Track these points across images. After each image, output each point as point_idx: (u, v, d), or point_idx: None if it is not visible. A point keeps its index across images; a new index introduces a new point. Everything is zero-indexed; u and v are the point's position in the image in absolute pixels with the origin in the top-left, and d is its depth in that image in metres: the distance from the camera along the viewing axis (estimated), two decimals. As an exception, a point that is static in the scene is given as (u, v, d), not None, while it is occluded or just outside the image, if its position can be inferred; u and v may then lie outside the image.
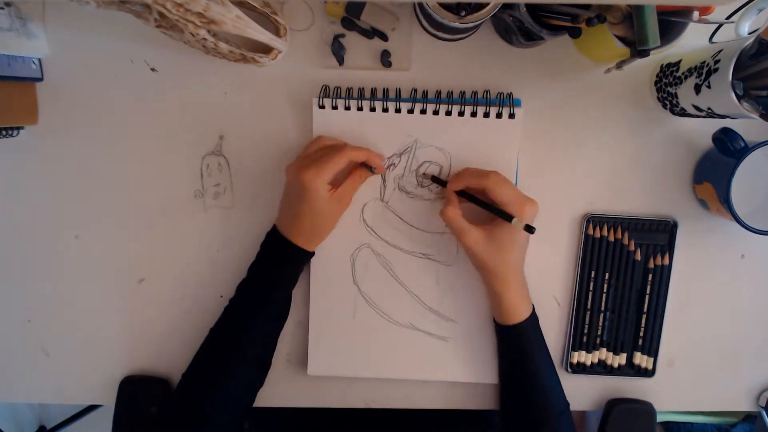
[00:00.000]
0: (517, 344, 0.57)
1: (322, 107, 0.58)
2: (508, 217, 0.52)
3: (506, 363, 0.60)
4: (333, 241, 0.59)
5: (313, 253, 0.58)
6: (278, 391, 0.63)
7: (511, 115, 0.58)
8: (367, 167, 0.57)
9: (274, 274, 0.56)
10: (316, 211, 0.53)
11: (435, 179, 0.59)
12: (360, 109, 0.58)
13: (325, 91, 0.58)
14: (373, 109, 0.58)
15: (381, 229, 0.60)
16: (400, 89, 0.58)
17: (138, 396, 0.62)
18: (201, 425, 0.54)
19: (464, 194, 0.56)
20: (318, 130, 0.58)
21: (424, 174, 0.59)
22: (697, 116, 0.54)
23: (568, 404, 0.59)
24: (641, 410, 0.63)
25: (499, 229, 0.54)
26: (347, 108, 0.58)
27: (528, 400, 0.57)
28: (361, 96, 0.58)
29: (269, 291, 0.56)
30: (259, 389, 0.59)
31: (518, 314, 0.56)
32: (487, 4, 0.47)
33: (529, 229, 0.51)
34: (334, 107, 0.58)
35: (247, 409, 0.57)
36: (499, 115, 0.58)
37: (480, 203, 0.55)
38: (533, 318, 0.57)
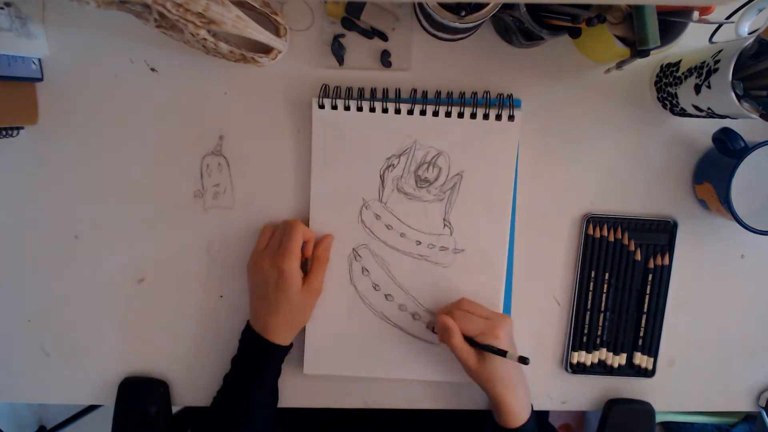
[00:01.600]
0: None
1: (321, 107, 0.58)
2: (502, 353, 0.53)
3: None
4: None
5: (291, 347, 0.59)
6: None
7: (511, 117, 0.58)
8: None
9: (254, 374, 0.57)
10: (292, 300, 0.55)
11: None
12: (360, 109, 0.58)
13: (325, 91, 0.58)
14: (372, 110, 0.58)
15: (379, 229, 0.60)
16: (399, 89, 0.58)
17: (138, 396, 0.62)
18: None
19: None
20: (317, 129, 0.58)
21: (427, 324, 0.61)
22: (697, 116, 0.54)
23: None
24: (640, 410, 0.63)
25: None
26: (347, 108, 0.58)
27: None
28: (360, 96, 0.58)
29: (252, 390, 0.57)
30: None
31: (519, 418, 0.56)
32: (487, 4, 0.47)
33: (524, 360, 0.52)
34: (334, 107, 0.58)
35: None
36: (498, 117, 0.58)
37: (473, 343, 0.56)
38: (532, 420, 0.57)
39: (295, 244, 0.55)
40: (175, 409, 0.65)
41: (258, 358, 0.57)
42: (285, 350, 0.58)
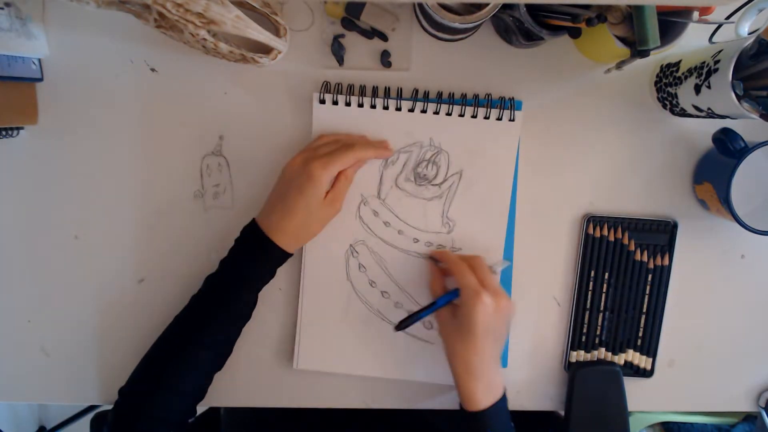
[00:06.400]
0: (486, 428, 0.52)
1: (322, 102, 0.58)
2: (422, 311, 0.54)
3: None
4: (328, 236, 0.59)
5: (291, 255, 0.56)
6: (268, 389, 0.63)
7: (511, 119, 0.58)
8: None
9: (248, 272, 0.54)
10: (309, 208, 0.52)
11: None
12: (360, 105, 0.58)
13: (326, 87, 0.58)
14: (373, 107, 0.58)
15: (377, 226, 0.60)
16: (401, 89, 0.58)
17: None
18: (144, 426, 0.51)
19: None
20: (318, 125, 0.58)
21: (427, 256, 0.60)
22: (697, 116, 0.54)
23: None
24: (606, 371, 0.62)
25: (460, 310, 0.53)
26: (348, 104, 0.58)
27: None
28: (362, 93, 0.58)
29: (239, 289, 0.54)
30: (208, 386, 0.56)
31: (476, 401, 0.52)
32: (487, 4, 0.47)
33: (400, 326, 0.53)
34: (335, 102, 0.58)
35: (195, 405, 0.56)
36: (499, 118, 0.58)
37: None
38: (494, 409, 0.53)
39: (339, 161, 0.52)
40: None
41: (257, 255, 0.54)
42: (285, 257, 0.55)
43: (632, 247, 0.61)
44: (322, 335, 0.61)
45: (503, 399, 0.54)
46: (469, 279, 0.53)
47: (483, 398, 0.52)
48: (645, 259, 0.61)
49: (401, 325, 0.56)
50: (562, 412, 0.63)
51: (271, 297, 0.62)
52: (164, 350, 0.55)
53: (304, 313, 0.61)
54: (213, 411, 0.72)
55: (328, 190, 0.54)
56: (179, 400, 0.53)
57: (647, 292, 0.62)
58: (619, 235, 0.61)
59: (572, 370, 0.62)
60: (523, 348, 0.63)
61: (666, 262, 0.62)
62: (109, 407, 0.56)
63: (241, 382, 0.63)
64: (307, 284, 0.61)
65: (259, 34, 0.51)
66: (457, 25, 0.48)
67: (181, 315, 0.56)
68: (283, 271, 0.61)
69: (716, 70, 0.48)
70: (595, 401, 0.59)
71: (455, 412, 0.56)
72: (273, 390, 0.63)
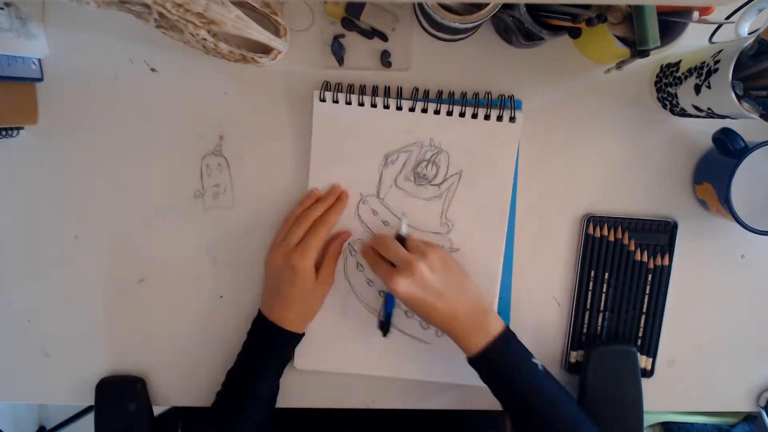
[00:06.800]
0: (493, 371, 0.53)
1: (323, 100, 0.58)
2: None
3: (498, 395, 0.54)
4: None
5: (303, 335, 0.59)
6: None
7: (512, 119, 0.58)
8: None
9: (266, 360, 0.57)
10: (306, 294, 0.55)
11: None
12: (361, 104, 0.58)
13: (326, 87, 0.58)
14: (374, 106, 0.58)
15: (375, 225, 0.60)
16: (401, 88, 0.58)
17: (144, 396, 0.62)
18: None
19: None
20: (318, 123, 0.58)
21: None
22: (697, 116, 0.54)
23: (583, 417, 0.52)
24: (622, 351, 0.61)
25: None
26: (348, 103, 0.58)
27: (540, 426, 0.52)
28: (362, 92, 0.58)
29: (261, 379, 0.56)
30: None
31: (476, 342, 0.52)
32: (487, 4, 0.47)
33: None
34: (335, 101, 0.58)
35: None
36: (500, 118, 0.58)
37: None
38: (500, 341, 0.52)
39: (313, 245, 0.55)
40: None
41: (271, 344, 0.56)
42: (299, 337, 0.58)
43: (632, 247, 0.61)
44: (321, 335, 0.61)
45: (501, 336, 0.53)
46: (398, 255, 0.53)
47: (475, 343, 0.52)
48: (645, 259, 0.61)
49: (384, 329, 0.59)
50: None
51: (271, 297, 0.62)
52: None
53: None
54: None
55: (316, 270, 0.56)
56: None
57: (647, 292, 0.62)
58: (619, 235, 0.61)
59: (587, 350, 0.61)
60: (523, 348, 0.63)
61: (666, 262, 0.62)
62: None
63: (241, 382, 0.63)
64: None
65: (259, 34, 0.51)
66: (457, 25, 0.48)
67: (210, 410, 0.58)
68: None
69: (716, 70, 0.48)
70: (610, 382, 0.58)
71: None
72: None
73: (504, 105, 0.58)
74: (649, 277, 0.62)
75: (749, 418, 0.82)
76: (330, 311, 0.61)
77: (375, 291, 0.61)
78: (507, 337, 0.53)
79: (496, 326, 0.53)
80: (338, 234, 0.59)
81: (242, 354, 0.58)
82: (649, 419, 0.87)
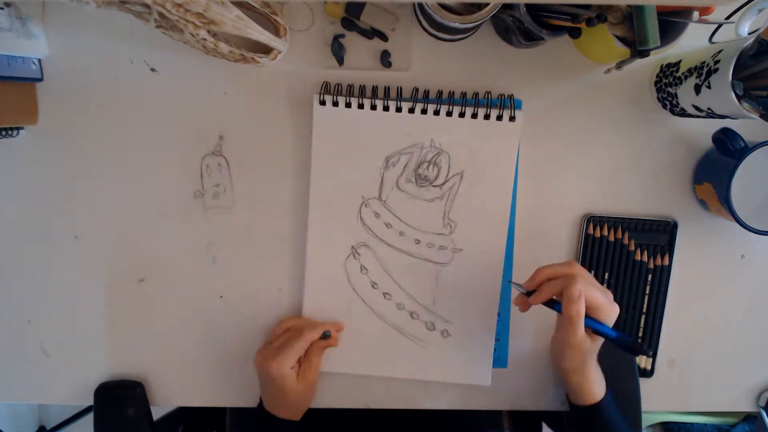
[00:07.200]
0: (597, 422, 0.55)
1: (323, 103, 0.58)
2: (635, 348, 0.50)
3: None
4: (330, 238, 0.59)
5: (300, 420, 0.60)
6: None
7: (512, 118, 0.58)
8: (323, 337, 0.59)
9: None
10: (289, 394, 0.57)
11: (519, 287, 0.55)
12: (361, 106, 0.58)
13: (326, 88, 0.58)
14: (374, 107, 0.58)
15: (378, 228, 0.60)
16: (401, 88, 0.58)
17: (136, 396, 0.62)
18: None
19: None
20: (318, 126, 0.58)
21: (513, 282, 0.56)
22: (697, 116, 0.54)
23: None
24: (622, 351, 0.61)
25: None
26: (348, 105, 0.58)
27: None
28: (362, 94, 0.58)
29: None
30: None
31: (593, 395, 0.55)
32: (487, 4, 0.47)
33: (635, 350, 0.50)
34: (335, 104, 0.58)
35: None
36: (500, 118, 0.58)
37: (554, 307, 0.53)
38: (610, 397, 0.55)
39: (293, 352, 0.56)
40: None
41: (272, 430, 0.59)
42: (296, 423, 0.59)
43: (632, 247, 0.61)
44: None
45: (609, 392, 0.56)
46: (598, 298, 0.50)
47: (597, 392, 0.55)
48: (645, 259, 0.61)
49: (636, 351, 0.53)
50: (563, 410, 0.63)
51: (272, 298, 0.62)
52: None
53: (306, 314, 0.61)
54: (218, 411, 0.72)
55: (299, 369, 0.57)
56: None
57: (647, 292, 0.62)
58: (619, 235, 0.61)
59: None
60: (524, 349, 0.63)
61: (666, 262, 0.62)
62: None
63: (246, 382, 0.63)
64: (308, 286, 0.61)
65: (259, 34, 0.51)
66: (457, 25, 0.48)
67: None
68: (284, 272, 0.61)
69: (716, 70, 0.48)
70: (609, 382, 0.58)
71: (570, 412, 0.58)
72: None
73: (504, 104, 0.58)
74: (649, 277, 0.62)
75: (749, 418, 0.82)
76: (334, 314, 0.61)
77: (379, 294, 0.61)
78: (612, 397, 0.56)
79: (604, 382, 0.56)
80: (321, 342, 0.59)
81: None
82: (649, 419, 0.88)
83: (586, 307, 0.49)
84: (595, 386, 0.54)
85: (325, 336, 0.59)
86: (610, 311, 0.50)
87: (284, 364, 0.55)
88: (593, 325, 0.50)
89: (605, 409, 0.55)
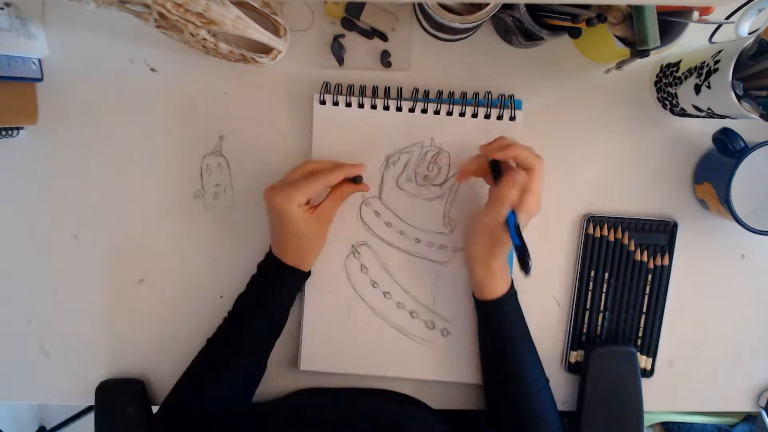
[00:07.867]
0: (494, 318, 0.56)
1: (323, 103, 0.58)
2: (521, 255, 0.49)
3: (485, 338, 0.59)
4: (330, 237, 0.59)
5: (308, 273, 0.58)
6: (274, 390, 0.63)
7: (512, 118, 0.58)
8: (350, 180, 0.57)
9: (268, 296, 0.56)
10: (295, 233, 0.53)
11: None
12: (361, 106, 0.58)
13: (326, 88, 0.58)
14: (374, 107, 0.58)
15: (378, 227, 0.60)
16: (401, 88, 0.58)
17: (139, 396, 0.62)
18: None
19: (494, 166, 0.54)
20: (318, 125, 0.58)
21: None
22: (697, 116, 0.54)
23: (547, 380, 0.58)
24: (622, 350, 0.62)
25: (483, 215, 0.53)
26: (348, 105, 0.58)
27: (507, 374, 0.56)
28: (362, 93, 0.58)
29: (264, 310, 0.56)
30: (252, 395, 0.59)
31: (494, 290, 0.55)
32: (487, 4, 0.47)
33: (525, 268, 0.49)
34: (335, 103, 0.58)
35: (241, 408, 0.57)
36: (499, 117, 0.58)
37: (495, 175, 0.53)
38: (510, 295, 0.56)
39: (303, 190, 0.52)
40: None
41: (273, 280, 0.56)
42: (300, 275, 0.57)
43: (632, 247, 0.61)
44: (326, 336, 0.61)
45: (513, 290, 0.57)
46: (513, 194, 0.50)
47: (499, 288, 0.56)
48: (645, 259, 0.61)
49: (526, 268, 0.51)
50: (563, 410, 0.63)
51: (271, 297, 0.62)
52: (203, 366, 0.57)
53: (307, 314, 0.61)
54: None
55: (314, 207, 0.54)
56: (223, 404, 0.55)
57: (647, 292, 0.62)
58: (619, 235, 0.61)
59: (587, 350, 0.62)
60: (523, 348, 0.63)
61: (666, 262, 0.62)
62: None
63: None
64: (309, 285, 0.61)
65: (259, 34, 0.51)
66: (457, 25, 0.48)
67: (216, 335, 0.57)
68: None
69: (716, 70, 0.48)
70: (610, 382, 0.59)
71: (477, 307, 0.58)
72: (279, 391, 0.63)
73: (504, 104, 0.58)
74: (649, 277, 0.62)
75: (749, 418, 0.82)
76: (334, 313, 0.61)
77: (380, 292, 0.61)
78: (515, 293, 0.57)
79: (509, 279, 0.57)
80: (349, 173, 0.56)
81: (251, 284, 0.58)
82: (649, 419, 0.87)
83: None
84: (498, 282, 0.55)
85: (357, 181, 0.56)
86: (527, 219, 0.51)
87: (290, 198, 0.51)
88: (511, 220, 0.50)
89: (504, 306, 0.56)
